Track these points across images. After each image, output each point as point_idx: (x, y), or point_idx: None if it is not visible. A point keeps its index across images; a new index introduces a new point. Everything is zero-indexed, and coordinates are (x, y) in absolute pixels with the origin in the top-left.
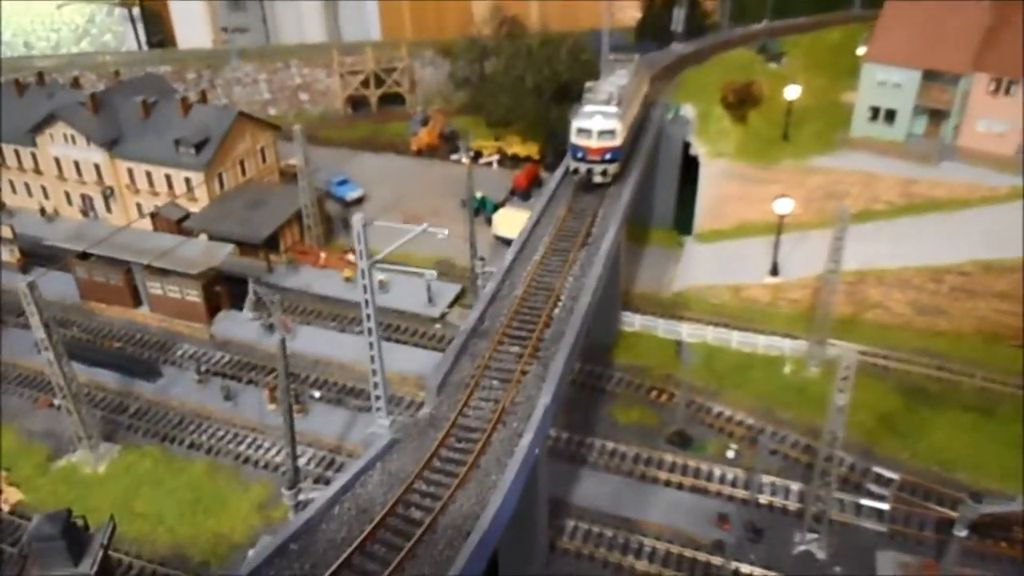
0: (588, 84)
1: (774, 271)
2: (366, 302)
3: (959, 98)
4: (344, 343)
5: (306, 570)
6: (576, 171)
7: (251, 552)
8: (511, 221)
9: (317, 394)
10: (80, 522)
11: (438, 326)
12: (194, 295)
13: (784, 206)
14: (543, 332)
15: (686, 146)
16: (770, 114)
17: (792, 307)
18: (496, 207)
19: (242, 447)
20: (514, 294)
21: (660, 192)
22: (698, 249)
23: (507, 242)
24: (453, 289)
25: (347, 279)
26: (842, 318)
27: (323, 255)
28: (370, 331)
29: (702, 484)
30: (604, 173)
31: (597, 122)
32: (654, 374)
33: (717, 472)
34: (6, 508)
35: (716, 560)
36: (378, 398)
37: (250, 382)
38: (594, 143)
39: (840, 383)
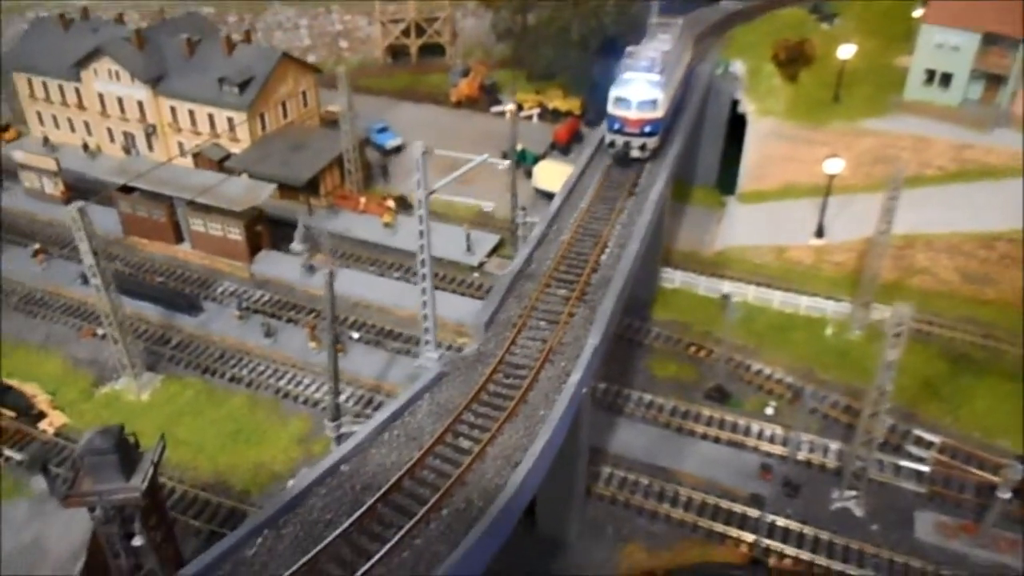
0: (629, 49)
1: (819, 233)
2: (421, 232)
3: (1018, 63)
4: (383, 287)
5: (356, 492)
6: (612, 144)
7: (291, 482)
8: (552, 174)
9: (356, 335)
10: (131, 440)
11: (476, 275)
12: (236, 233)
13: (835, 166)
14: (590, 276)
15: (734, 104)
16: (821, 75)
17: (836, 270)
18: (536, 160)
19: (282, 382)
20: (561, 239)
21: (704, 150)
22: (741, 209)
23: (547, 195)
24: (492, 239)
25: (386, 224)
26: (887, 283)
27: (363, 200)
28: (423, 263)
29: (739, 439)
30: (643, 148)
31: (637, 90)
32: (693, 330)
33: (755, 427)
34: (51, 431)
35: (753, 512)
36: (427, 330)
37: (289, 321)
38: (632, 114)
39: (892, 339)
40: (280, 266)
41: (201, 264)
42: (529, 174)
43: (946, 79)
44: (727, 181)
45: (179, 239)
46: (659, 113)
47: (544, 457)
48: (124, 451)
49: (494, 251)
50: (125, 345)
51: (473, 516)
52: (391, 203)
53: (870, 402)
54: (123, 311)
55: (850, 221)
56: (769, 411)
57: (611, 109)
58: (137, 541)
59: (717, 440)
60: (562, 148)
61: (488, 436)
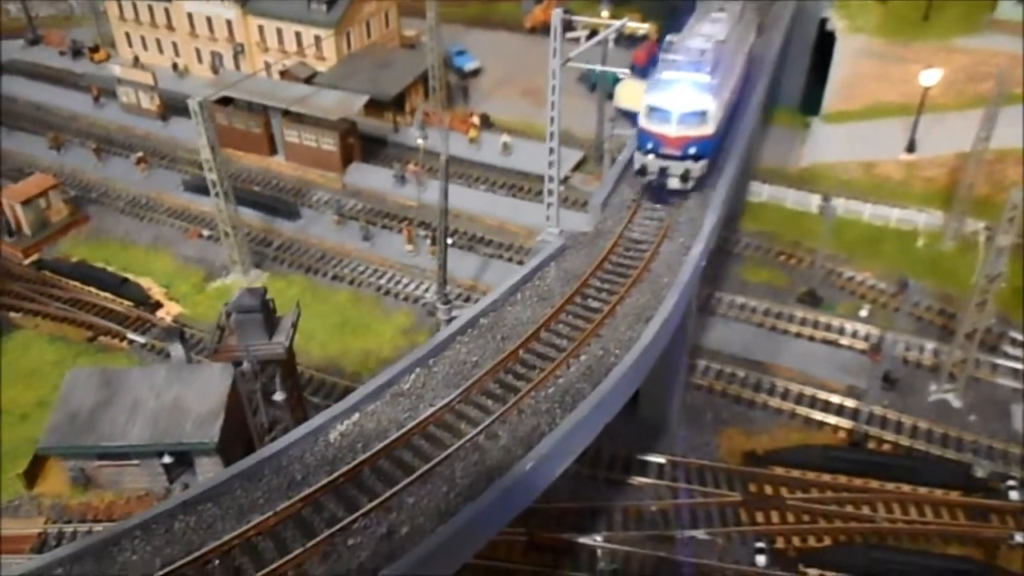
0: (669, 37)
1: (910, 147)
2: (552, 104)
3: None
4: (472, 197)
5: (497, 341)
6: (643, 170)
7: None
8: (634, 92)
9: (449, 240)
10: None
11: (561, 188)
12: (330, 144)
13: (931, 77)
14: None
15: (821, 23)
16: None
17: (926, 185)
18: (617, 81)
19: (382, 281)
20: None
21: (789, 70)
22: (826, 128)
23: (629, 114)
24: (576, 155)
25: (471, 140)
26: (978, 197)
27: (448, 117)
28: (551, 136)
29: (833, 337)
30: (685, 177)
31: (679, 98)
32: (782, 240)
33: (849, 327)
34: (168, 319)
35: (850, 402)
36: (550, 205)
37: (384, 227)
38: (673, 130)
39: (1005, 224)
40: (372, 177)
41: (294, 175)
42: (610, 96)
43: None
44: (811, 102)
45: (273, 151)
46: (709, 129)
47: (673, 316)
48: (268, 312)
49: (578, 167)
50: (236, 240)
51: (611, 362)
52: (476, 120)
53: (977, 291)
54: (234, 206)
55: (941, 137)
56: (863, 313)
57: (643, 122)
58: (278, 396)
59: (811, 339)
60: (640, 71)
61: (617, 297)
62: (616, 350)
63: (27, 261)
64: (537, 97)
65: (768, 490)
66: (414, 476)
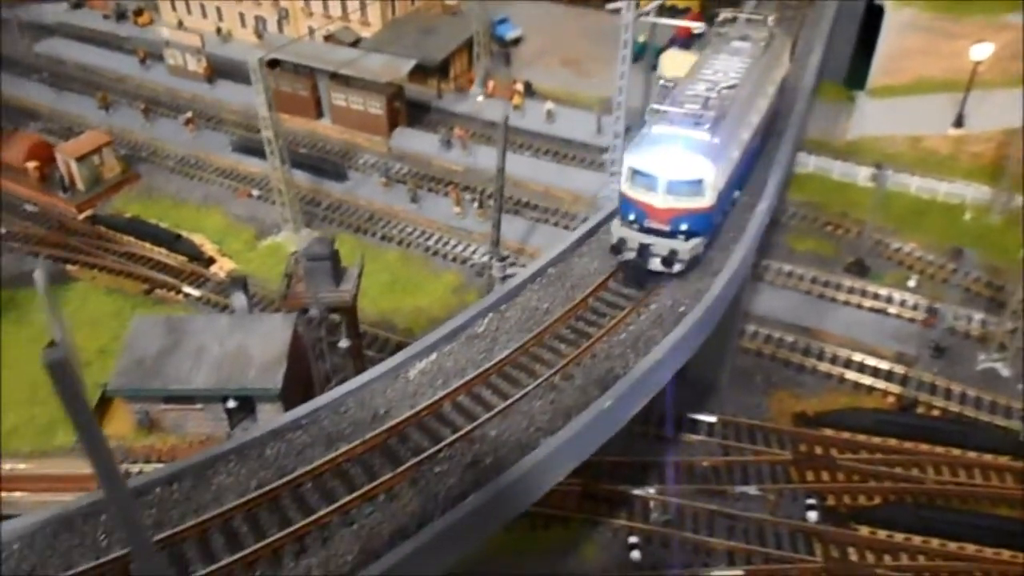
0: (663, 82)
1: (958, 122)
2: (624, 42)
3: None
4: (517, 163)
5: (567, 289)
6: (619, 247)
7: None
8: (678, 62)
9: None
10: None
11: (605, 155)
12: (376, 108)
13: (982, 51)
14: None
15: None
16: None
17: (973, 160)
18: (660, 51)
19: (431, 242)
20: None
21: (836, 44)
22: (872, 103)
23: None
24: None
25: (516, 107)
26: None
27: (491, 83)
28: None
29: (882, 306)
30: (670, 259)
31: (670, 160)
32: (828, 211)
33: (897, 296)
34: (222, 274)
35: (899, 368)
36: (612, 163)
37: (430, 191)
38: (659, 200)
39: None
40: (417, 141)
41: (340, 138)
42: (654, 67)
43: None
44: (856, 76)
45: (319, 114)
46: (706, 201)
47: (741, 270)
48: (336, 261)
49: (626, 132)
50: (287, 199)
51: (681, 311)
52: (520, 87)
53: None
54: (288, 165)
55: (988, 113)
56: (911, 284)
57: (625, 187)
58: (343, 343)
59: (859, 307)
60: (682, 43)
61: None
62: (685, 300)
63: (81, 216)
64: (577, 67)
65: (818, 451)
66: (494, 411)
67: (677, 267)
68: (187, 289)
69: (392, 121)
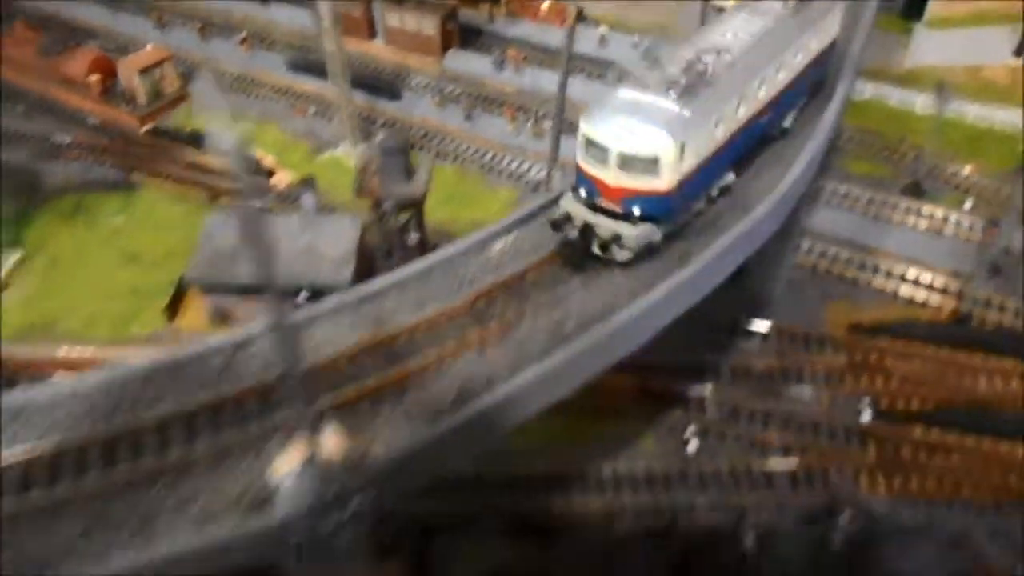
0: (646, 47)
1: (1018, 51)
2: None
3: None
4: (570, 85)
5: None
6: (561, 222)
7: None
8: None
9: (548, 124)
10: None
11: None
12: (430, 29)
13: None
14: None
15: None
16: None
17: None
18: None
19: (486, 159)
20: None
21: None
22: (929, 33)
23: (722, 9)
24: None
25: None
26: None
27: (543, 7)
28: None
29: (938, 226)
30: (610, 245)
31: (624, 131)
32: (886, 137)
33: (954, 217)
34: (281, 186)
35: (954, 284)
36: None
37: (483, 111)
38: (610, 176)
39: None
40: (470, 62)
41: (393, 59)
42: None
43: None
44: (912, 7)
45: (372, 35)
46: (662, 182)
47: (809, 168)
48: (407, 156)
49: None
50: (347, 114)
51: (750, 203)
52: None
53: None
54: (350, 80)
55: None
56: (967, 206)
57: (579, 157)
58: (413, 238)
59: (915, 227)
60: None
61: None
62: (757, 193)
63: (143, 129)
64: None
65: (873, 358)
66: (575, 282)
67: (621, 255)
68: None
69: (445, 42)
